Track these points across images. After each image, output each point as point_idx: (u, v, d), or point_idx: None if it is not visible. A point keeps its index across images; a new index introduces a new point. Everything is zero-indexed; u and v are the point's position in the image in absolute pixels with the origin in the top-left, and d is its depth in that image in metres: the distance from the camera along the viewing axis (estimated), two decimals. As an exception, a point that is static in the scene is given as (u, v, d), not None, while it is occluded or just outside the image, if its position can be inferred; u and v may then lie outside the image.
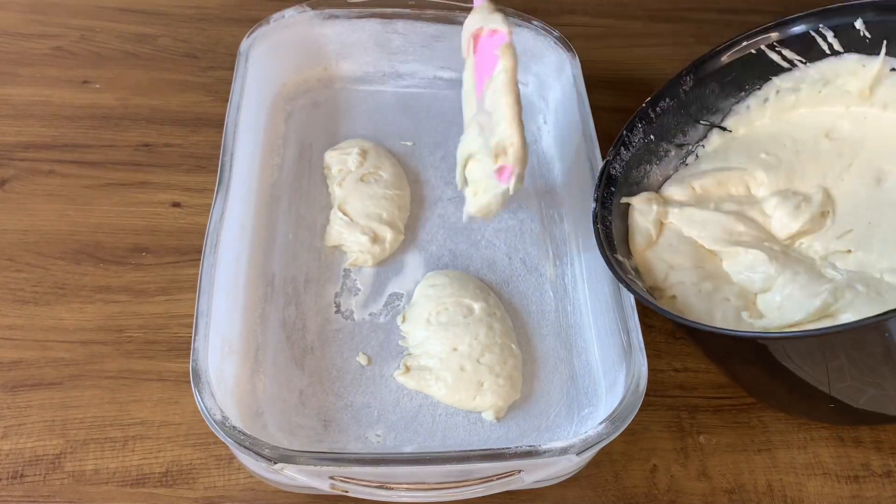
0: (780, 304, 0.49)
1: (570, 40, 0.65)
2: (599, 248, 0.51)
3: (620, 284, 0.49)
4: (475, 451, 0.43)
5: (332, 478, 0.42)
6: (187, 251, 0.59)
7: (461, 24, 0.66)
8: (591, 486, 0.50)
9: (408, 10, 0.66)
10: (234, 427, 0.41)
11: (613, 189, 0.54)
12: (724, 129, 0.58)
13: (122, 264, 0.58)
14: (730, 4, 0.85)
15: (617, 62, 0.77)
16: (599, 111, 0.60)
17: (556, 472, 0.46)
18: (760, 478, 0.51)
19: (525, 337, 0.55)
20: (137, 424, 0.50)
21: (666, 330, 0.58)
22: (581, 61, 0.63)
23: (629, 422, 0.44)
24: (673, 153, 0.58)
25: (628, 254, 0.54)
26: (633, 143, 0.56)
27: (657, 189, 0.58)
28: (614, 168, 0.55)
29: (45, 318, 0.55)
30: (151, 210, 0.61)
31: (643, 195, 0.56)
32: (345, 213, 0.59)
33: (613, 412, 0.44)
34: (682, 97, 0.57)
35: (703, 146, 0.59)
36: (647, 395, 0.45)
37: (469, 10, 0.66)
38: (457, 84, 0.70)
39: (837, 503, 0.51)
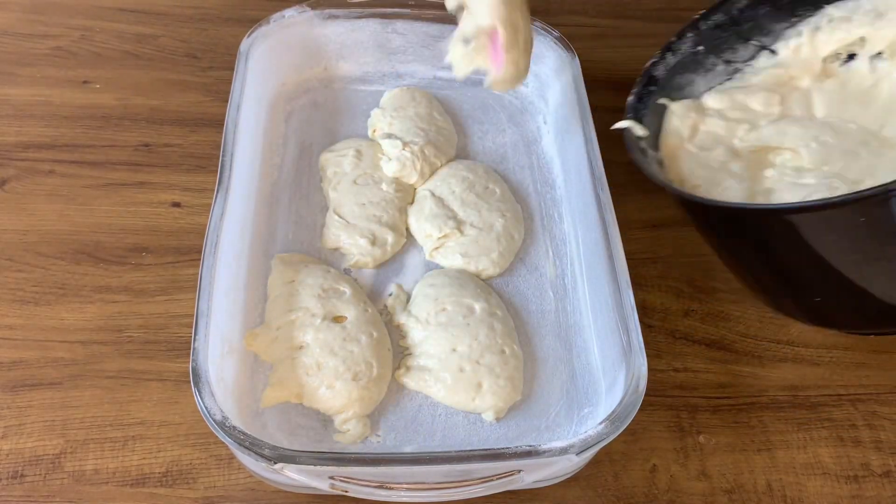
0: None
1: (570, 40, 0.65)
2: (626, 135, 0.53)
3: (637, 164, 0.52)
4: (475, 451, 0.43)
5: (332, 478, 0.42)
6: (187, 251, 0.59)
7: (461, 24, 0.67)
8: (590, 486, 0.50)
9: (408, 10, 0.66)
10: (234, 427, 0.41)
11: (653, 88, 0.57)
12: (773, 51, 0.60)
13: (122, 264, 0.58)
14: (730, 4, 0.85)
15: (617, 62, 0.77)
16: (599, 111, 0.59)
17: (555, 471, 0.46)
18: (760, 478, 0.51)
19: (525, 337, 0.55)
20: (137, 424, 0.50)
21: (666, 330, 0.58)
22: (581, 61, 0.63)
23: (629, 422, 0.44)
24: (720, 68, 0.60)
25: (656, 147, 0.56)
26: (681, 51, 0.58)
27: (698, 98, 0.60)
28: (657, 69, 0.57)
29: (45, 318, 0.55)
30: (151, 210, 0.61)
31: (684, 102, 0.58)
32: (340, 216, 0.59)
33: (613, 412, 0.44)
34: (735, 14, 0.59)
35: (751, 65, 0.60)
36: (646, 394, 0.45)
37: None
38: (456, 83, 0.70)
39: (837, 503, 0.51)
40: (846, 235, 0.44)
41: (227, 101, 0.57)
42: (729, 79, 0.60)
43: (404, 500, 0.44)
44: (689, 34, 0.58)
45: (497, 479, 0.44)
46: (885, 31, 0.56)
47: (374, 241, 0.58)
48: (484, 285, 0.57)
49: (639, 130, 0.54)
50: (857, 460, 0.53)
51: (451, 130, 0.66)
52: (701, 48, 0.59)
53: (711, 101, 0.59)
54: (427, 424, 0.50)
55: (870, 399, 0.55)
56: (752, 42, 0.60)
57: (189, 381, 0.43)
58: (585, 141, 0.58)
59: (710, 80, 0.60)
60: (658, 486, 0.51)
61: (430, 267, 0.58)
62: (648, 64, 0.57)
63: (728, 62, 0.60)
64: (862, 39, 0.57)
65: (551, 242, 0.61)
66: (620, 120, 0.57)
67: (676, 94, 0.59)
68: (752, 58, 0.60)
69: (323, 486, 0.43)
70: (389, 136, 0.63)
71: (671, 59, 0.58)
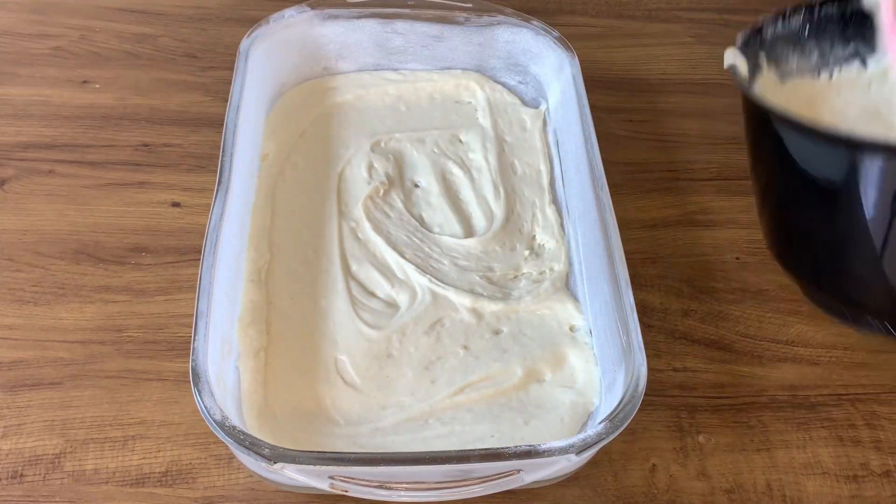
0: None
1: (569, 40, 0.65)
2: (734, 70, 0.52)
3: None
4: (475, 450, 0.43)
5: (331, 477, 0.42)
6: (187, 251, 0.59)
7: (461, 24, 0.67)
8: (590, 486, 0.50)
9: (407, 10, 0.66)
10: (233, 427, 0.41)
11: (756, 45, 0.55)
12: (864, 63, 0.58)
13: (121, 264, 0.58)
14: (728, 4, 0.85)
15: (617, 62, 0.77)
16: (599, 111, 0.60)
17: (555, 471, 0.46)
18: (760, 477, 0.51)
19: (525, 337, 0.55)
20: (137, 424, 0.50)
21: (665, 330, 0.58)
22: (581, 61, 0.63)
23: (628, 422, 0.44)
24: (814, 57, 0.58)
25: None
26: (789, 25, 0.56)
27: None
28: (767, 30, 0.56)
29: (44, 318, 0.55)
30: (151, 210, 0.61)
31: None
32: None
33: (613, 412, 0.44)
34: (848, 13, 0.57)
35: (838, 71, 0.58)
36: (646, 394, 0.45)
37: (464, 8, 0.66)
38: (456, 84, 0.70)
39: (837, 503, 0.51)
40: None
41: (226, 101, 0.57)
42: (817, 73, 0.58)
43: (404, 499, 0.45)
44: (802, 12, 0.56)
45: (496, 478, 0.44)
46: None
47: None
48: None
49: (742, 68, 0.52)
50: (857, 460, 0.53)
51: None
52: (807, 28, 0.56)
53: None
54: (427, 424, 0.50)
55: (870, 399, 0.55)
56: (850, 46, 0.57)
57: (189, 381, 0.43)
58: (585, 141, 0.58)
59: (803, 64, 0.58)
60: (658, 485, 0.51)
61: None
62: (760, 21, 0.55)
63: (822, 55, 0.58)
64: None
65: (551, 242, 0.60)
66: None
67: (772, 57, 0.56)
68: (845, 62, 0.58)
69: (323, 485, 0.43)
70: None
71: (780, 27, 0.56)
